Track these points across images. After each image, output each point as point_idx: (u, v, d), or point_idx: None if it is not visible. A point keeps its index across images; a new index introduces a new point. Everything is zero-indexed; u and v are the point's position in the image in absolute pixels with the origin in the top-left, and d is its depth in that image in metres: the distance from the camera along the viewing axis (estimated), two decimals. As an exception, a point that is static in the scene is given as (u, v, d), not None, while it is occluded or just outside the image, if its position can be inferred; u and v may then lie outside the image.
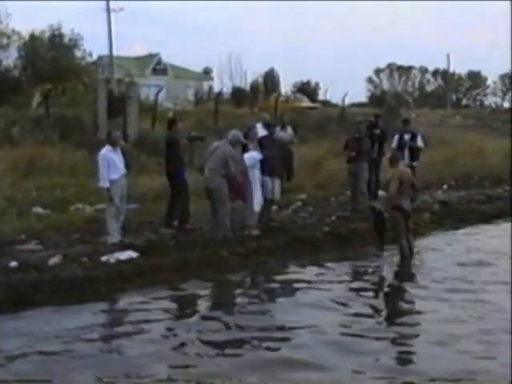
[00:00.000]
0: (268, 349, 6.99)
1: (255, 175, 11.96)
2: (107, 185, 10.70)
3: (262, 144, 12.28)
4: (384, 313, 8.57)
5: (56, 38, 37.57)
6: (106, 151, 10.84)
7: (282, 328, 7.65)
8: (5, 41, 36.24)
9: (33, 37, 37.01)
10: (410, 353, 7.04)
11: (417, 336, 7.51)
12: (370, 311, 8.42)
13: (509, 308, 8.11)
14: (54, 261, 9.75)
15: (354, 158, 13.92)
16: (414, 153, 14.88)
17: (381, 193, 15.09)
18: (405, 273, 10.53)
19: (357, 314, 8.18)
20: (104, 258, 9.88)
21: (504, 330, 7.39)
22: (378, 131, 14.94)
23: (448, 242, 12.80)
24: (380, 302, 9.16)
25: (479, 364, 6.56)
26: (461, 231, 13.86)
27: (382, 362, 6.63)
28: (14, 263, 9.55)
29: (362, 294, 9.24)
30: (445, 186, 18.57)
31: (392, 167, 11.05)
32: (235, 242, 11.10)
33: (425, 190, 17.09)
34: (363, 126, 14.82)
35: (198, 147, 14.06)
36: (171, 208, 12.08)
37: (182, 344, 7.14)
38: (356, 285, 9.75)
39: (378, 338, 7.30)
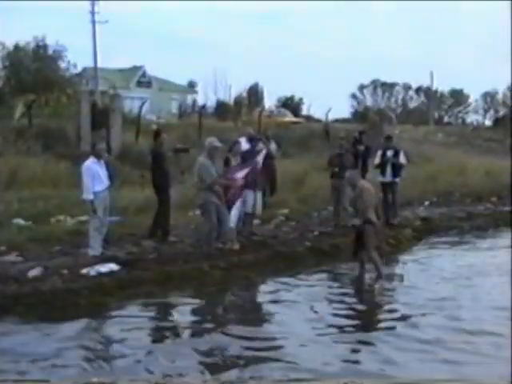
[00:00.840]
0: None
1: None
2: (91, 197, 10.66)
3: (244, 158, 12.31)
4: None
5: (40, 49, 37.52)
6: (90, 163, 10.81)
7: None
8: (-13, 51, 36.17)
9: (17, 47, 36.91)
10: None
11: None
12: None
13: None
14: (34, 273, 9.69)
15: (336, 173, 14.01)
16: (397, 169, 14.96)
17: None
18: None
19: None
20: (85, 271, 9.83)
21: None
22: (362, 147, 15.04)
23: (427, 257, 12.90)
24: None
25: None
26: (441, 246, 13.98)
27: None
28: (-7, 275, 9.49)
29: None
30: (426, 203, 18.69)
31: (354, 186, 11.08)
32: (217, 255, 11.09)
33: (406, 206, 17.22)
34: (345, 142, 14.93)
35: (183, 159, 14.09)
36: (157, 219, 12.18)
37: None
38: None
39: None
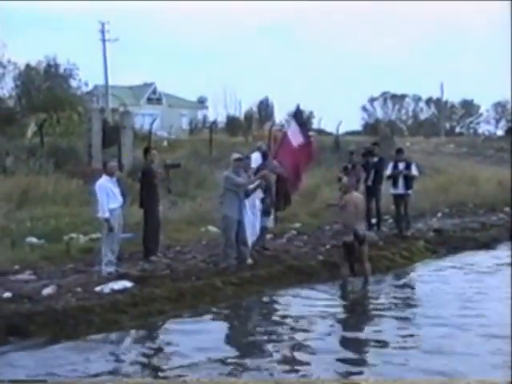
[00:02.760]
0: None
1: (256, 206, 12.02)
2: (107, 215, 10.67)
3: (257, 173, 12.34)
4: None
5: (51, 68, 37.84)
6: (104, 181, 10.86)
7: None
8: (0, 71, 36.43)
9: (28, 67, 37.22)
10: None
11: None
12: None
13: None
14: (47, 291, 9.71)
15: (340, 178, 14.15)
16: (409, 181, 14.96)
17: (373, 221, 15.18)
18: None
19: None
20: (98, 288, 9.84)
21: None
22: (374, 159, 15.01)
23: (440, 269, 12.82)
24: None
25: None
26: (455, 258, 13.89)
27: None
28: (7, 294, 9.51)
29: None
30: (439, 214, 18.63)
31: (346, 193, 11.28)
32: (229, 271, 11.08)
33: (419, 218, 17.18)
34: (355, 155, 14.98)
35: (174, 175, 14.16)
36: (145, 237, 12.00)
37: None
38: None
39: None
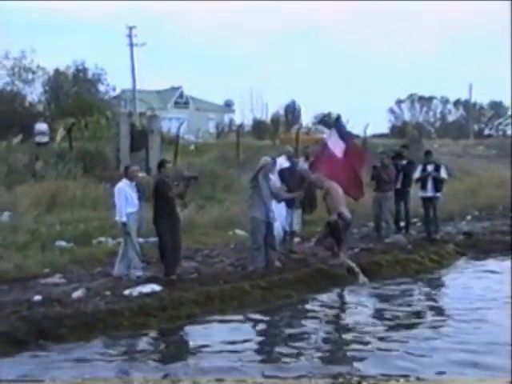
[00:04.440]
0: None
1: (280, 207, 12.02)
2: (124, 219, 10.77)
3: (282, 175, 12.34)
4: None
5: (80, 72, 38.15)
6: (123, 185, 10.95)
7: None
8: (30, 76, 36.81)
9: (57, 72, 37.54)
10: None
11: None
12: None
13: None
14: (77, 294, 9.79)
15: (377, 187, 14.07)
16: (438, 184, 14.85)
17: (402, 224, 15.09)
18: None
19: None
20: (127, 292, 9.90)
21: None
22: (403, 162, 14.91)
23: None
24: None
25: None
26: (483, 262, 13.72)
27: None
28: (37, 297, 9.62)
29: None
30: (468, 217, 18.47)
31: (322, 187, 11.53)
32: (257, 274, 11.07)
33: (448, 221, 17.03)
34: (385, 156, 14.89)
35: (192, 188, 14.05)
36: (162, 253, 11.12)
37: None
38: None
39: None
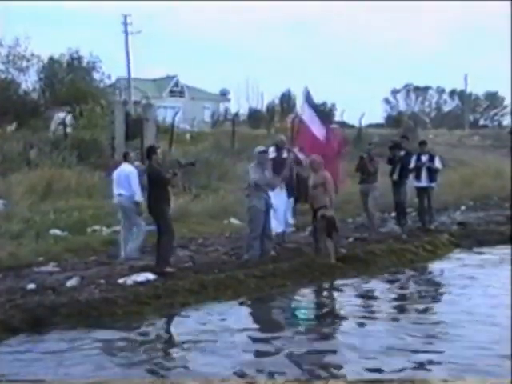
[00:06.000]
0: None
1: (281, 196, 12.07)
2: (142, 199, 10.98)
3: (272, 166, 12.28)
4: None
5: (74, 60, 37.94)
6: (132, 168, 11.23)
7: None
8: (24, 64, 36.58)
9: (52, 60, 37.33)
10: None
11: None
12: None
13: None
14: (71, 283, 9.78)
15: (363, 179, 14.12)
16: (432, 174, 14.81)
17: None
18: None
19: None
20: (121, 280, 9.89)
21: None
22: (401, 153, 14.81)
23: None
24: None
25: None
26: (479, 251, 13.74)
27: None
28: (31, 285, 9.61)
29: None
30: (463, 207, 18.48)
31: (317, 172, 11.54)
32: (252, 263, 11.08)
33: (442, 211, 17.04)
34: (373, 146, 14.83)
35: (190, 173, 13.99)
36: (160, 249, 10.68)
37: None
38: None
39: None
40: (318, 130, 12.99)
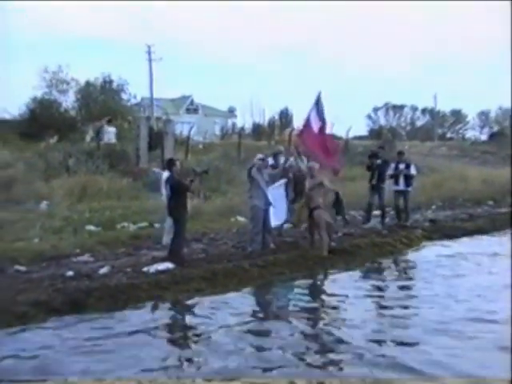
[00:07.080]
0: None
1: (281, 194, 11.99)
2: None
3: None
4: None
5: (106, 83, 38.09)
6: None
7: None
8: (64, 86, 36.86)
9: (87, 83, 37.55)
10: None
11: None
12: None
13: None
14: (103, 271, 9.77)
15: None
16: (408, 179, 14.83)
17: (377, 212, 15.01)
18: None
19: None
20: (145, 269, 9.87)
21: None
22: (378, 161, 14.80)
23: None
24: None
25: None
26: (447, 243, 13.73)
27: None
28: (70, 273, 9.61)
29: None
30: (433, 207, 18.44)
31: (314, 177, 11.48)
32: (255, 254, 11.04)
33: (416, 210, 17.01)
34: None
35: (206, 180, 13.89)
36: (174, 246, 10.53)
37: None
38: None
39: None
40: (316, 124, 12.67)
